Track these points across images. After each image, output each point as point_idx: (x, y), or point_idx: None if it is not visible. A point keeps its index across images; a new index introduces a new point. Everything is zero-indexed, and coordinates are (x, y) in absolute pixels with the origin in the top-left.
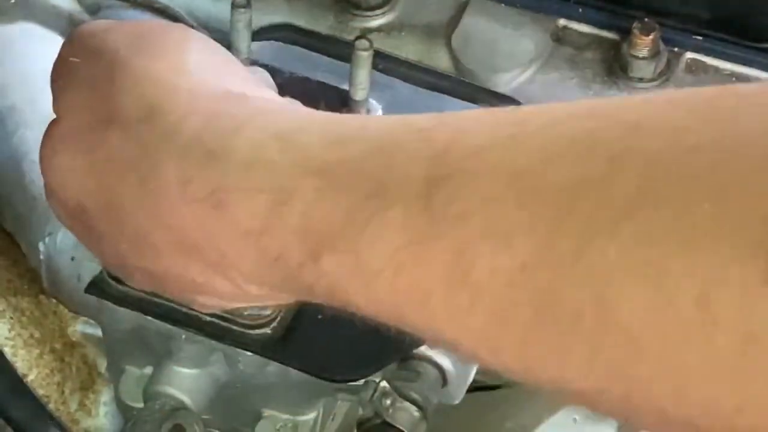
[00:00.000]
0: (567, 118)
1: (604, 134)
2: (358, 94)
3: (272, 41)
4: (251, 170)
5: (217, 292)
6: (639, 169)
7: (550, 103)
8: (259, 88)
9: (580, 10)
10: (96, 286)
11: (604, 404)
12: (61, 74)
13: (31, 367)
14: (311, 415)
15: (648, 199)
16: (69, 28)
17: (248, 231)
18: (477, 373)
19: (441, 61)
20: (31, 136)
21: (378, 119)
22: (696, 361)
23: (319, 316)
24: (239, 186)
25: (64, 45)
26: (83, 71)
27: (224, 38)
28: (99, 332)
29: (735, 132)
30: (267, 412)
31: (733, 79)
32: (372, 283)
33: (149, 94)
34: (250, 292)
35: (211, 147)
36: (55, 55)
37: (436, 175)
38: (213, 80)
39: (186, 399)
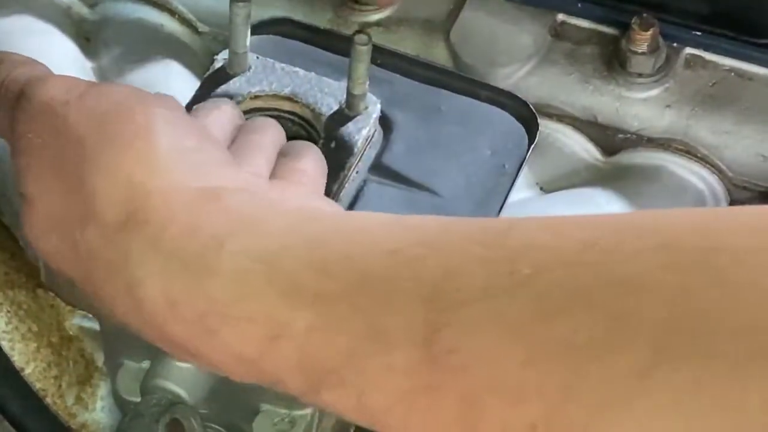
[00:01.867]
0: (559, 265)
1: (600, 291)
2: (357, 89)
3: (271, 35)
4: (240, 299)
5: None
6: (645, 335)
7: (536, 223)
8: (231, 168)
9: (579, 5)
10: None
11: None
12: (22, 151)
13: (29, 360)
14: (308, 410)
15: (658, 369)
16: (66, 20)
17: (242, 356)
18: None
19: (440, 55)
20: None
21: (357, 234)
22: None
23: None
24: (228, 314)
25: (20, 115)
26: (47, 154)
27: (223, 32)
28: (96, 326)
29: (736, 293)
30: (264, 407)
31: (732, 74)
32: (380, 418)
33: (123, 197)
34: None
35: (193, 267)
36: (53, 50)
37: (434, 321)
38: (186, 175)
39: (183, 393)
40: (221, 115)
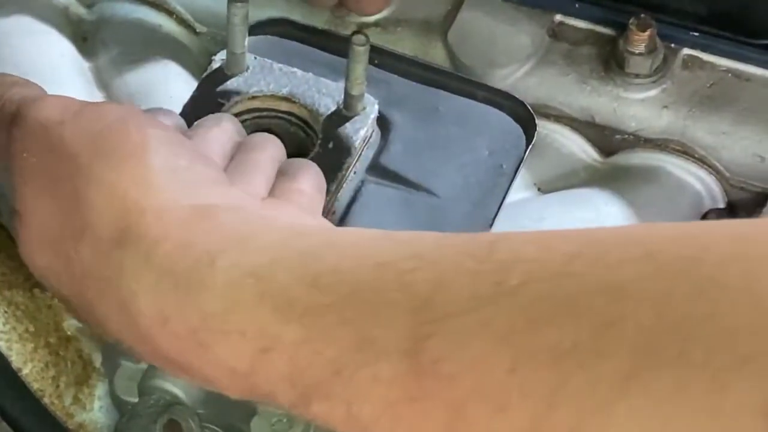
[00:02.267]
0: (546, 276)
1: (585, 299)
2: (355, 89)
3: (269, 36)
4: (231, 313)
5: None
6: (628, 342)
7: (524, 237)
8: (223, 186)
9: (577, 5)
10: None
11: None
12: (18, 170)
13: (26, 361)
14: None
15: (640, 375)
16: (64, 21)
17: (234, 370)
18: None
19: (437, 56)
20: None
21: (348, 249)
22: None
23: None
24: (220, 328)
25: (16, 134)
26: (41, 172)
27: (221, 33)
28: None
29: (718, 301)
30: (262, 408)
31: (730, 75)
32: (369, 428)
33: (117, 214)
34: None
35: (185, 282)
36: (50, 50)
37: (421, 332)
38: (179, 193)
39: (181, 394)
40: (221, 134)
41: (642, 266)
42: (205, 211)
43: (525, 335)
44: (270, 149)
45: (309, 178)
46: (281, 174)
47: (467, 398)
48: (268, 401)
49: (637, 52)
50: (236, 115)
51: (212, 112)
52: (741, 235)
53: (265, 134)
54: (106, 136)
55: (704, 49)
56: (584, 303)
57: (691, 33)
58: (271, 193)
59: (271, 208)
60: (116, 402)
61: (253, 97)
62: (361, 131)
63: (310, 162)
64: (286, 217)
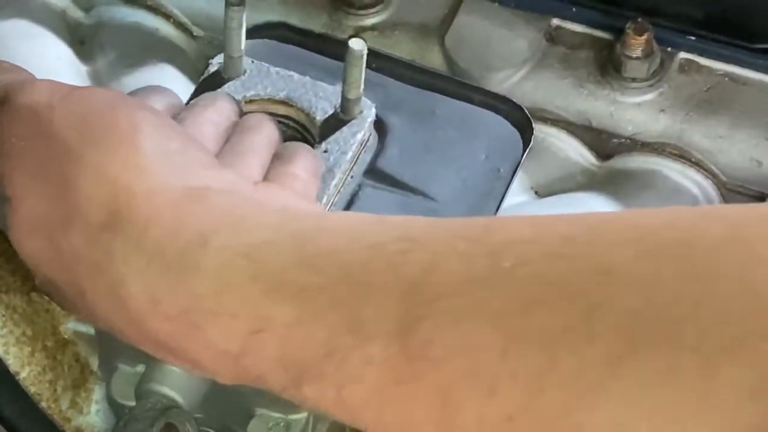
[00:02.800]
0: (540, 257)
1: (578, 281)
2: (352, 93)
3: (266, 39)
4: (223, 294)
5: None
6: (619, 324)
7: (518, 220)
8: (215, 169)
9: (574, 9)
10: None
11: None
12: (6, 155)
13: (23, 365)
14: (303, 414)
15: (630, 357)
16: (61, 24)
17: (226, 352)
18: None
19: (434, 60)
20: None
21: (340, 232)
22: None
23: None
24: (212, 309)
25: (4, 118)
26: (31, 157)
27: (218, 36)
28: (91, 330)
29: (708, 284)
30: (259, 411)
31: (726, 79)
32: (358, 412)
33: (107, 198)
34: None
35: (176, 264)
36: (48, 53)
37: (412, 314)
38: (171, 176)
39: (178, 397)
40: (215, 114)
41: (633, 249)
42: (197, 193)
43: (517, 318)
44: (265, 130)
45: (304, 162)
46: (276, 157)
47: (457, 381)
48: (258, 384)
49: (634, 56)
50: None
51: None
52: (734, 219)
53: (261, 115)
54: (96, 119)
55: (701, 53)
56: (576, 285)
57: (687, 37)
58: (266, 176)
59: (264, 191)
60: (113, 406)
61: (250, 101)
62: (358, 135)
63: (306, 146)
64: (279, 201)
